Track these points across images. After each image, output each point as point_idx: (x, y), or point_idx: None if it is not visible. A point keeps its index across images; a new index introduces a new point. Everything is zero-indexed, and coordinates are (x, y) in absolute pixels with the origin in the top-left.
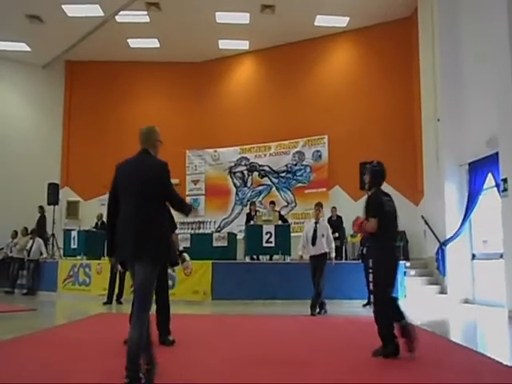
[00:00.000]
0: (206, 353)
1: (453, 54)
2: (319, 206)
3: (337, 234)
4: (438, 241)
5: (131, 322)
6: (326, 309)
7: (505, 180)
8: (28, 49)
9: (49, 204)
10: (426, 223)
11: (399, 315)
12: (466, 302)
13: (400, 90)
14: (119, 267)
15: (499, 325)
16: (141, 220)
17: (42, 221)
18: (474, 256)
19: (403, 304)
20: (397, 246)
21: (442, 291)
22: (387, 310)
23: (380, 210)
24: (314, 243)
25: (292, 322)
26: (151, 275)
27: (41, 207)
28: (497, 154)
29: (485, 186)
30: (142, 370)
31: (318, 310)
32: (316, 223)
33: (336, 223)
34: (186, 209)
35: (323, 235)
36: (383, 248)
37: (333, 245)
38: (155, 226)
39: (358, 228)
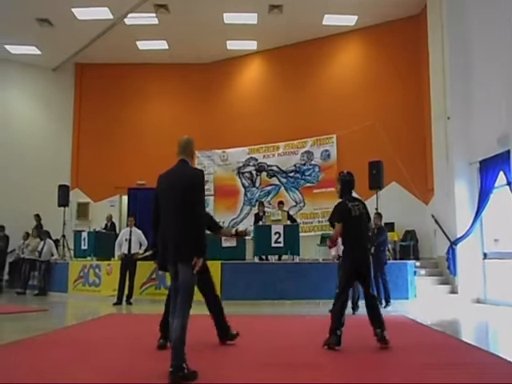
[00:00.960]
0: (214, 354)
1: (462, 51)
2: None
3: None
4: (449, 240)
5: (173, 315)
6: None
7: None
8: (38, 52)
9: (59, 206)
10: (437, 222)
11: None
12: (478, 301)
13: (409, 88)
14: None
15: (511, 325)
16: (180, 226)
17: (37, 229)
18: (485, 255)
19: (414, 304)
20: (368, 248)
21: (453, 291)
22: (340, 309)
23: (346, 216)
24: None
25: (302, 323)
26: (192, 275)
27: (37, 215)
28: (508, 151)
29: (496, 185)
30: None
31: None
32: None
33: None
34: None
35: None
36: (346, 260)
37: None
38: (193, 231)
39: (331, 242)
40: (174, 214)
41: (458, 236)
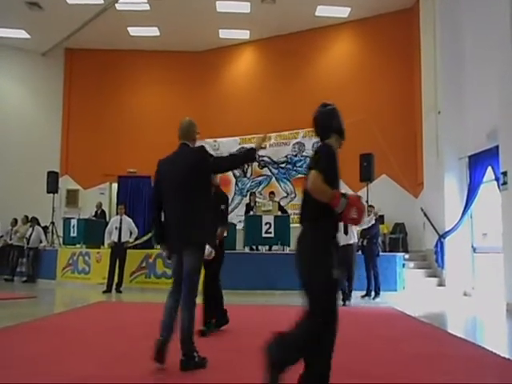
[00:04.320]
0: (203, 342)
1: (454, 46)
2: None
3: None
4: (437, 233)
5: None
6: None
7: (504, 173)
8: (27, 36)
9: (48, 192)
10: (426, 215)
11: None
12: (465, 294)
13: (401, 81)
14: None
15: (497, 317)
16: (185, 212)
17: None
18: (474, 249)
19: (402, 296)
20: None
21: (441, 284)
22: None
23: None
24: (346, 231)
25: (291, 313)
26: (198, 262)
27: None
28: (497, 147)
29: (484, 179)
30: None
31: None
32: None
33: None
34: (238, 160)
35: None
36: None
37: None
38: (198, 216)
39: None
40: (179, 200)
41: (447, 229)
